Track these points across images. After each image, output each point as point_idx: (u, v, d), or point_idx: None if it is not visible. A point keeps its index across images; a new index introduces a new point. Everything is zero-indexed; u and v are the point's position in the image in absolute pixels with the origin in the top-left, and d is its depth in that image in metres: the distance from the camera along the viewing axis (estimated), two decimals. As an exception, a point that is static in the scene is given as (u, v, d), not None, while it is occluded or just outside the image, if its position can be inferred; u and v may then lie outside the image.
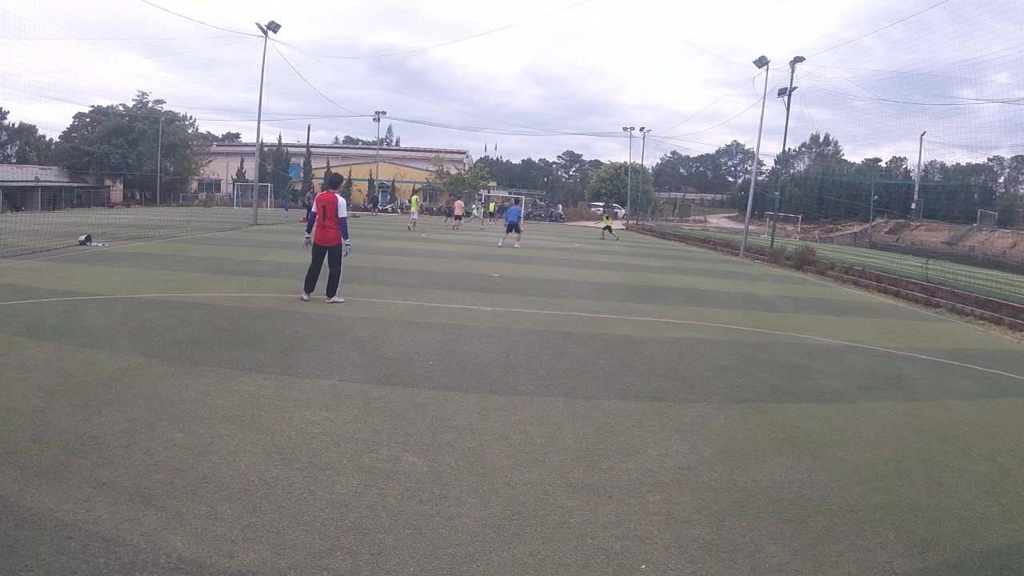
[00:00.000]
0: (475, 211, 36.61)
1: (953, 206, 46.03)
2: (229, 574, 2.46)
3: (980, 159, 64.45)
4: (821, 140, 72.25)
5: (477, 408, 4.57)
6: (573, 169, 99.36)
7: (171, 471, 3.26)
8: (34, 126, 52.91)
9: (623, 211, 59.34)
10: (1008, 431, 4.93)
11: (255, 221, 25.53)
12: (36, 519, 2.72)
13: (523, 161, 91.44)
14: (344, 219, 8.24)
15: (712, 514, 3.20)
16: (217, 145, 61.76)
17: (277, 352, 5.69)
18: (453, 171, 52.33)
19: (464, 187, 51.96)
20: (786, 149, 30.95)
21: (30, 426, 3.70)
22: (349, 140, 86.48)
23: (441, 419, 4.30)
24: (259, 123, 28.14)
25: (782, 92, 25.13)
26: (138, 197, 49.96)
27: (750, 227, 28.20)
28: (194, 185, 55.34)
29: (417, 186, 54.12)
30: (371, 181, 52.82)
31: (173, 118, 51.03)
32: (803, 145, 72.56)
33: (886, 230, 47.97)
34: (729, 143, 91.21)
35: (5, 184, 39.18)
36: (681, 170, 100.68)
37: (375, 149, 57.39)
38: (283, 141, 58.04)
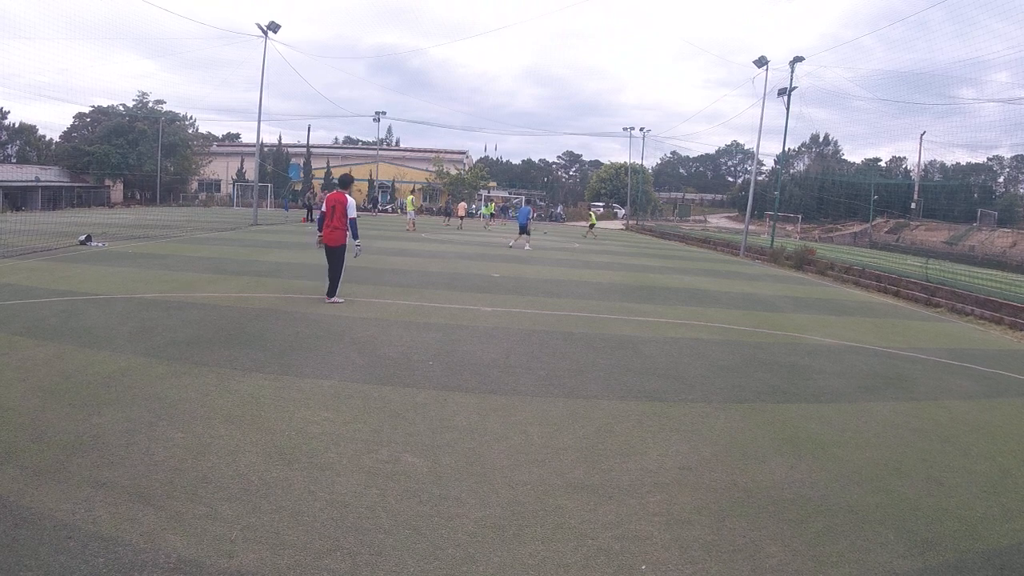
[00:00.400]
0: (484, 210, 36.70)
1: (953, 206, 46.02)
2: (228, 574, 2.45)
3: (980, 159, 64.43)
4: (821, 140, 72.23)
5: (477, 408, 4.57)
6: (573, 169, 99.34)
7: (171, 471, 3.26)
8: (34, 126, 53.02)
9: (623, 211, 59.35)
10: (1008, 431, 4.92)
11: (255, 221, 25.53)
12: (35, 519, 2.72)
13: (523, 161, 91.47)
14: (353, 220, 8.19)
15: (712, 514, 3.20)
16: (217, 145, 61.78)
17: (277, 352, 5.69)
18: (453, 171, 52.31)
19: (464, 187, 51.95)
20: (786, 149, 30.98)
21: (30, 426, 3.70)
22: (349, 140, 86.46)
23: (441, 419, 4.30)
24: (259, 123, 28.16)
25: (782, 92, 25.14)
26: (138, 197, 49.99)
27: (750, 227, 28.21)
28: (194, 185, 55.36)
29: (416, 186, 54.13)
30: (371, 181, 52.81)
31: (173, 118, 51.05)
32: (803, 145, 72.56)
33: (886, 230, 47.96)
34: (729, 143, 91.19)
35: (5, 184, 39.19)
36: (681, 170, 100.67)
37: (375, 149, 57.40)
38: (283, 141, 58.10)
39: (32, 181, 41.79)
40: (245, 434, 3.80)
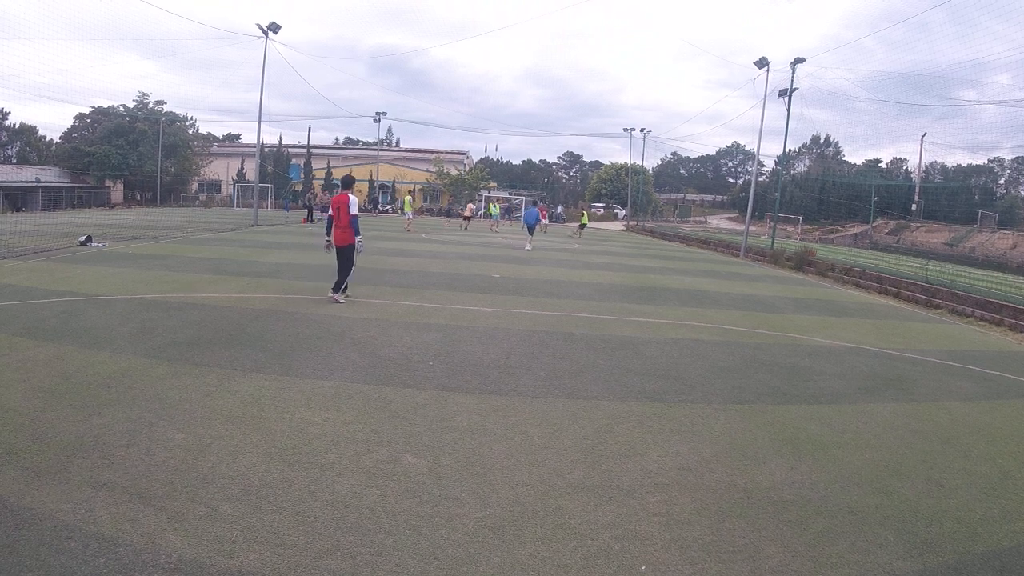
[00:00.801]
0: (491, 211, 36.72)
1: (954, 207, 46.04)
2: (229, 574, 2.46)
3: (981, 160, 64.43)
4: (822, 141, 72.24)
5: (477, 409, 4.57)
6: (573, 170, 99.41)
7: (171, 471, 3.26)
8: (35, 127, 53.09)
9: (623, 212, 59.35)
10: (1008, 433, 4.92)
11: (255, 222, 25.54)
12: (36, 519, 2.72)
13: (523, 162, 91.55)
14: (355, 216, 8.40)
15: (712, 515, 3.20)
16: (217, 146, 61.83)
17: (277, 353, 5.69)
18: (453, 172, 52.32)
19: (464, 188, 51.96)
20: (786, 150, 30.97)
21: (30, 426, 3.70)
22: (349, 141, 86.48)
23: (441, 420, 4.30)
24: (259, 124, 28.16)
25: (783, 93, 25.14)
26: (139, 198, 50.02)
27: (751, 228, 28.20)
28: (194, 186, 55.38)
29: (417, 187, 54.14)
30: (371, 182, 52.84)
31: (174, 119, 51.09)
32: (804, 146, 72.56)
33: (887, 231, 47.96)
34: (729, 144, 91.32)
35: (6, 185, 39.22)
36: (681, 171, 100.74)
37: (375, 150, 57.42)
38: (283, 142, 58.10)
39: (32, 182, 41.84)
40: (246, 435, 3.81)
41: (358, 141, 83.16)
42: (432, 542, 2.78)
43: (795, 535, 3.06)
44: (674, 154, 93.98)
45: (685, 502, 3.33)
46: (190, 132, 54.32)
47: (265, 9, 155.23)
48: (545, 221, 32.02)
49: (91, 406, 4.09)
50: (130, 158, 46.88)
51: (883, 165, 68.76)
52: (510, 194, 57.07)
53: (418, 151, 63.04)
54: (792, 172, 66.14)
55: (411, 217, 28.46)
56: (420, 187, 54.79)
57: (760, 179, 50.67)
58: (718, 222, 59.98)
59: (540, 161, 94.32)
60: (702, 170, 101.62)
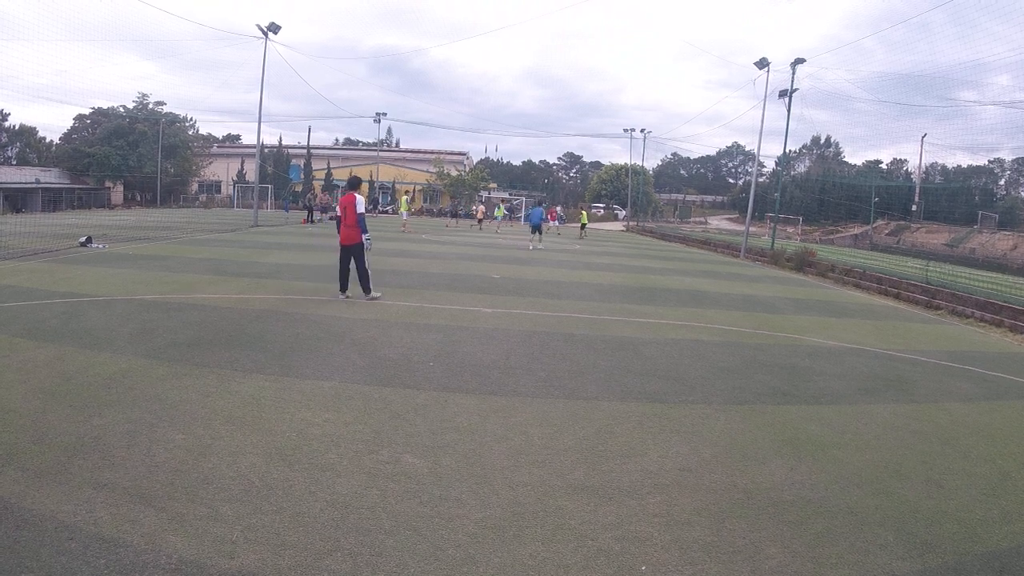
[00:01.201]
0: (496, 212, 36.80)
1: (954, 208, 46.06)
2: (230, 575, 2.46)
3: (981, 161, 64.49)
4: (822, 142, 72.27)
5: (477, 409, 4.57)
6: (574, 171, 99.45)
7: (172, 472, 3.26)
8: (35, 128, 53.16)
9: (623, 213, 59.36)
10: (1008, 434, 4.93)
11: (255, 223, 25.55)
12: (37, 520, 2.72)
13: (524, 162, 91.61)
14: (361, 215, 8.56)
15: (712, 516, 3.21)
16: (217, 147, 61.85)
17: (277, 353, 5.70)
18: (454, 172, 52.35)
19: (465, 188, 51.97)
20: (787, 151, 30.98)
21: (31, 427, 3.71)
22: (349, 142, 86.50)
23: (441, 420, 4.30)
24: (259, 124, 28.17)
25: (783, 93, 25.14)
26: (139, 199, 50.04)
27: (751, 229, 28.19)
28: (194, 187, 55.41)
29: (417, 188, 54.15)
30: (371, 182, 52.87)
31: (173, 119, 51.11)
32: (804, 147, 72.57)
33: (887, 232, 47.96)
34: (730, 144, 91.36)
35: (6, 186, 39.25)
36: (682, 171, 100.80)
37: (375, 150, 57.45)
38: (283, 142, 58.16)
39: (32, 183, 41.87)
40: (246, 435, 3.81)
41: (358, 142, 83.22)
42: (432, 543, 2.78)
43: (795, 536, 3.06)
44: (674, 155, 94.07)
45: (685, 503, 3.34)
46: (190, 133, 54.34)
47: (265, 10, 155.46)
48: (555, 223, 32.06)
49: (91, 407, 4.09)
50: (130, 159, 46.90)
51: (883, 166, 68.81)
52: (510, 194, 57.11)
53: (418, 152, 63.07)
54: (792, 173, 66.14)
55: (406, 217, 28.50)
56: (420, 187, 54.80)
57: (760, 180, 50.71)
58: (718, 223, 60.00)
59: (540, 162, 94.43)
60: (702, 171, 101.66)
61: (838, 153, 73.11)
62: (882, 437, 4.60)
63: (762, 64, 25.64)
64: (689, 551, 2.86)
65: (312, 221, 28.62)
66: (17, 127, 52.25)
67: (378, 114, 48.78)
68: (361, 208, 8.55)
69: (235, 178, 52.97)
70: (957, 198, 50.35)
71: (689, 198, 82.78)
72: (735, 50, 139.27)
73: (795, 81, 24.62)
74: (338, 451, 3.68)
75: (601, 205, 65.10)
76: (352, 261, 8.68)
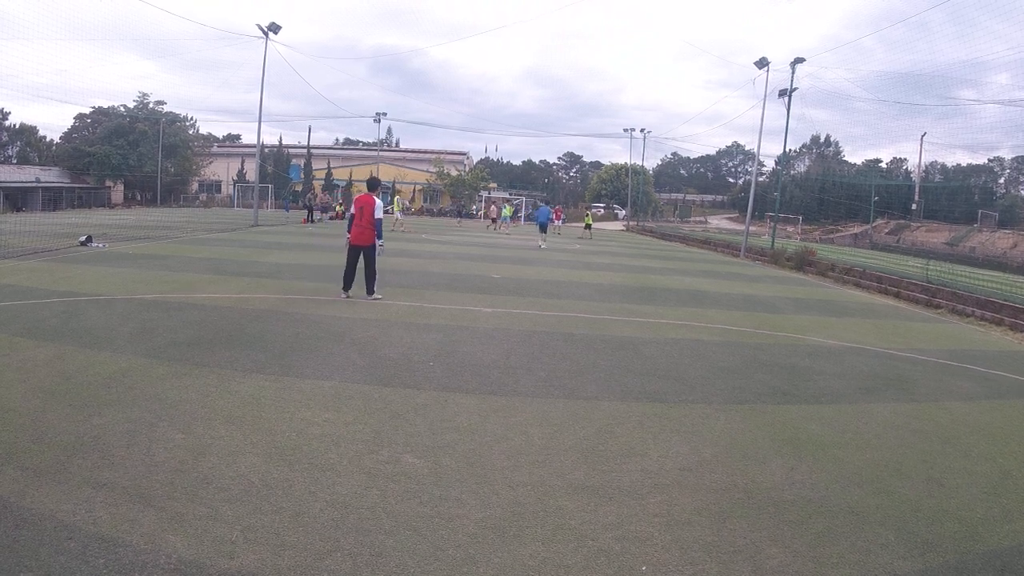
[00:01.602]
0: (504, 212, 36.67)
1: (954, 207, 46.06)
2: (229, 575, 2.45)
3: (981, 160, 64.46)
4: (822, 141, 72.24)
5: (477, 409, 4.57)
6: (574, 170, 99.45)
7: (171, 472, 3.26)
8: (35, 127, 53.15)
9: (623, 212, 59.36)
10: (1009, 432, 4.92)
11: (255, 222, 25.55)
12: (36, 520, 2.72)
13: (524, 162, 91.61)
14: (380, 220, 8.73)
15: (713, 515, 3.20)
16: (218, 146, 61.86)
17: (277, 353, 5.69)
18: (454, 172, 52.33)
19: (465, 188, 51.95)
20: (786, 150, 30.98)
21: (30, 427, 3.70)
22: (349, 141, 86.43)
23: (441, 420, 4.30)
24: (260, 124, 28.17)
25: (783, 93, 25.15)
26: (139, 198, 50.04)
27: (751, 228, 28.19)
28: (195, 186, 55.42)
29: (417, 187, 54.12)
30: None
31: (174, 119, 51.12)
32: (804, 146, 72.57)
33: (887, 231, 47.97)
34: (729, 144, 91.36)
35: (6, 185, 39.25)
36: (682, 171, 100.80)
37: (375, 150, 57.45)
38: (283, 142, 58.15)
39: (33, 182, 41.87)
40: (246, 435, 3.81)
41: (358, 141, 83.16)
42: (432, 543, 2.78)
43: (796, 535, 3.05)
44: (674, 154, 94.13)
45: (685, 502, 3.33)
46: (190, 132, 54.37)
47: (265, 9, 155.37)
48: (559, 223, 32.04)
49: (91, 406, 4.09)
50: (130, 158, 46.91)
51: (883, 165, 68.85)
52: (510, 195, 57.09)
53: (418, 151, 63.07)
54: (792, 172, 66.15)
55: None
56: (420, 187, 54.78)
57: (760, 179, 50.68)
58: (718, 222, 60.01)
59: (540, 161, 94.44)
60: (702, 170, 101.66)
61: (838, 152, 73.11)
62: (883, 436, 4.59)
63: (762, 64, 25.64)
64: (689, 551, 2.86)
65: (312, 221, 28.63)
66: (17, 126, 52.26)
67: (378, 114, 48.78)
68: (380, 214, 8.71)
69: (235, 178, 52.97)
70: (957, 197, 50.35)
71: (689, 198, 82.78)
72: (735, 50, 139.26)
73: (795, 80, 24.68)
74: (338, 451, 3.68)
75: (601, 205, 65.11)
76: (362, 260, 8.75)
